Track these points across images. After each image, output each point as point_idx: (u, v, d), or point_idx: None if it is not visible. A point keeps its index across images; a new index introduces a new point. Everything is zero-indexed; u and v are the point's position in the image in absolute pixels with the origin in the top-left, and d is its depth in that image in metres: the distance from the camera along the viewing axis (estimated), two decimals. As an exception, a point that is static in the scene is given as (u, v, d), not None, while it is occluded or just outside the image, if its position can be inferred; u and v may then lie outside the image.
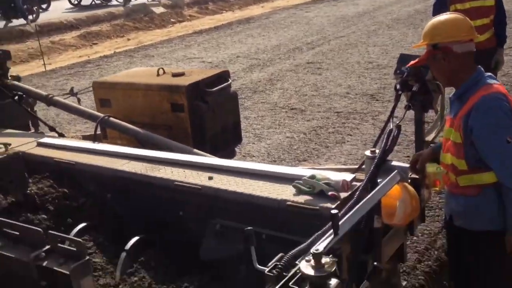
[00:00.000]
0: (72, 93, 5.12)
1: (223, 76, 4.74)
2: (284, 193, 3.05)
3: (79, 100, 4.96)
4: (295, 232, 2.82)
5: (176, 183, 3.36)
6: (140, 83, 4.66)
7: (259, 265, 2.37)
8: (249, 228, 2.54)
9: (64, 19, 20.98)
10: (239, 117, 4.94)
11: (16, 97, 4.60)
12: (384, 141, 3.00)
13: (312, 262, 1.97)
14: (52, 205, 3.66)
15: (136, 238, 3.30)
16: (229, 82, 4.68)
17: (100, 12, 22.24)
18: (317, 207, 2.86)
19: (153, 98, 4.53)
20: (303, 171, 3.22)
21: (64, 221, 3.59)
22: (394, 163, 2.97)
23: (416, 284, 3.75)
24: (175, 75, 4.68)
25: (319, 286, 1.93)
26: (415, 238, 4.27)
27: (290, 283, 1.95)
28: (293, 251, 2.17)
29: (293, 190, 3.06)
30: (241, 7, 25.94)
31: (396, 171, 2.87)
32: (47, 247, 3.03)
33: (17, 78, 4.95)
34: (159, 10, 23.71)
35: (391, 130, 3.05)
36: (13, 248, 3.15)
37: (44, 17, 20.99)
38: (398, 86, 3.36)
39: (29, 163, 3.95)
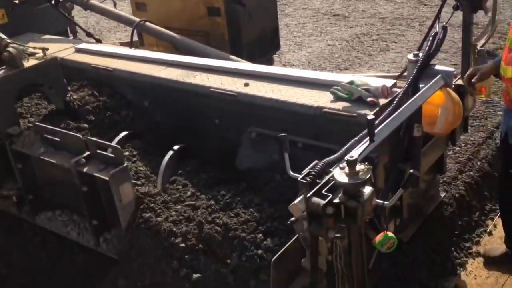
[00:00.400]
0: (108, -4, 5.01)
1: (263, -23, 4.52)
2: (321, 99, 2.96)
3: (115, 4, 4.86)
4: (332, 141, 2.74)
5: (212, 89, 3.30)
6: (178, -15, 4.50)
7: (293, 173, 2.33)
8: (283, 134, 2.48)
9: None
10: (277, 23, 4.76)
11: (53, 0, 4.54)
12: (429, 43, 2.83)
13: (346, 169, 1.91)
14: (93, 115, 3.69)
15: (176, 147, 3.29)
16: (268, -16, 4.47)
17: None
18: (355, 114, 2.76)
19: (190, 1, 4.39)
20: (341, 77, 3.10)
21: (106, 130, 3.62)
22: (438, 67, 2.81)
23: (456, 194, 3.67)
24: (214, -23, 4.49)
25: (352, 193, 1.88)
26: (457, 148, 4.14)
27: (323, 190, 1.90)
28: (327, 158, 2.11)
29: (331, 97, 2.96)
30: None
31: (439, 75, 2.72)
32: (87, 153, 3.09)
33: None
34: None
35: (436, 33, 2.86)
36: (55, 154, 3.23)
37: None
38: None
39: (67, 69, 3.94)
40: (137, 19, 4.30)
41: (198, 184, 3.20)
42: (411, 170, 1.95)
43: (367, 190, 1.92)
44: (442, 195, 3.59)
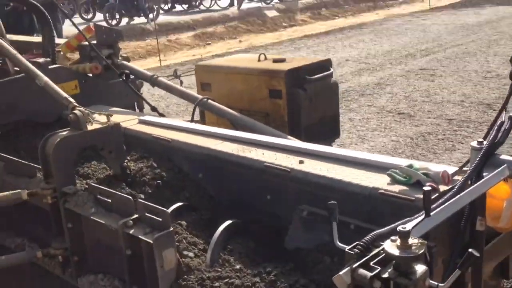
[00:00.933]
0: (175, 75, 5.24)
1: (325, 65, 4.62)
2: (377, 181, 2.87)
3: (181, 82, 5.06)
4: (386, 225, 2.61)
5: (266, 164, 3.28)
6: (240, 67, 4.66)
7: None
8: (332, 202, 2.39)
9: (181, 20, 21.84)
10: (338, 110, 4.79)
11: (124, 76, 4.77)
12: (494, 132, 2.73)
13: (398, 241, 1.80)
14: (148, 186, 3.73)
15: (227, 222, 3.23)
16: (330, 72, 4.54)
17: (216, 14, 22.90)
18: (413, 198, 2.64)
19: (252, 83, 4.50)
20: (400, 160, 3.01)
21: (160, 200, 3.63)
22: (504, 156, 2.69)
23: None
24: (276, 60, 4.62)
25: (403, 269, 1.75)
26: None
27: (372, 262, 1.78)
28: (379, 230, 2.00)
29: (387, 179, 2.87)
30: (355, 13, 25.67)
31: (505, 165, 2.60)
32: (135, 216, 3.08)
33: (126, 59, 5.14)
34: (271, 13, 24.07)
35: (502, 122, 2.77)
36: (105, 215, 3.24)
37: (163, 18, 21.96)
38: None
39: (129, 137, 4.06)
40: (200, 96, 4.43)
41: (245, 261, 3.10)
42: (470, 250, 1.80)
43: (420, 268, 1.79)
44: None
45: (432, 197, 2.57)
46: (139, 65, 13.98)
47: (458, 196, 2.31)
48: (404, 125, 8.10)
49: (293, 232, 3.16)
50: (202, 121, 4.79)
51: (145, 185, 3.73)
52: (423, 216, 2.01)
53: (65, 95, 3.74)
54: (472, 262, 1.81)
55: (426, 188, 1.99)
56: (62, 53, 5.40)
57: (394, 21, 20.98)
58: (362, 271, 1.76)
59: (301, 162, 3.25)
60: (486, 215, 2.59)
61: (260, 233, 3.36)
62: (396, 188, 2.77)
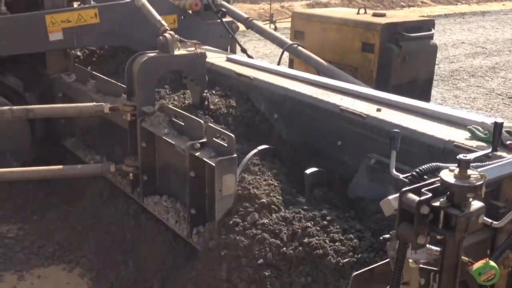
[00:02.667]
0: (271, 20, 5.19)
1: (427, 25, 4.37)
2: (455, 135, 2.68)
3: (275, 28, 4.99)
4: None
5: (342, 107, 3.17)
6: (336, 17, 4.52)
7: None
8: (396, 130, 2.26)
9: (297, -12, 21.61)
10: (433, 74, 4.53)
11: (220, 14, 4.79)
12: None
13: (456, 171, 1.65)
14: (223, 119, 3.74)
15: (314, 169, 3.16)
16: (431, 32, 4.29)
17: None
18: (489, 153, 2.43)
19: (346, 34, 4.36)
20: (483, 117, 2.79)
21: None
22: None
23: None
24: (375, 14, 4.45)
25: (457, 200, 1.61)
26: None
27: (424, 189, 1.65)
28: (441, 164, 1.85)
29: (466, 135, 2.67)
30: (480, 2, 24.17)
31: None
32: (204, 140, 3.11)
33: (227, 0, 5.15)
34: (391, -9, 23.18)
35: None
36: (176, 137, 3.29)
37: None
38: None
39: (214, 72, 4.09)
40: (290, 42, 4.36)
41: (304, 202, 3.04)
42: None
43: (476, 203, 1.64)
44: None
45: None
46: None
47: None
48: None
49: (358, 180, 3.05)
50: (290, 67, 4.72)
51: (220, 118, 3.74)
52: (489, 150, 1.83)
53: (159, 18, 3.82)
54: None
55: (498, 120, 1.80)
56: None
57: (522, 13, 19.65)
58: (410, 195, 1.63)
59: (378, 110, 3.11)
60: None
61: (327, 179, 3.29)
62: (474, 143, 2.58)
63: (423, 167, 1.82)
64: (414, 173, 1.79)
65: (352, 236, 2.66)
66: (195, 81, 3.72)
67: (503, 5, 23.32)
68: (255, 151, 3.18)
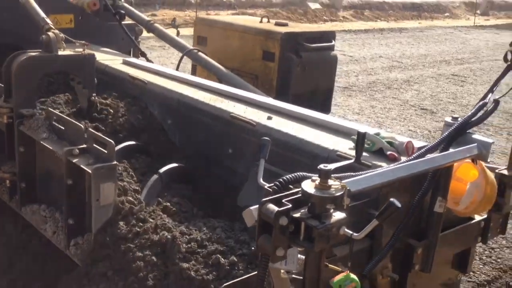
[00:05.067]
0: (173, 24, 5.06)
1: (328, 36, 4.37)
2: (340, 145, 2.65)
3: (178, 33, 4.85)
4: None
5: (232, 115, 3.07)
6: (239, 24, 4.44)
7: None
8: (265, 138, 2.17)
9: (225, -2, 21.68)
10: (333, 85, 4.53)
11: (118, 16, 4.59)
12: (474, 110, 2.47)
13: (318, 181, 1.57)
14: (112, 125, 3.54)
15: (173, 165, 3.03)
16: (331, 44, 4.29)
17: (259, -3, 22.65)
18: (369, 164, 2.40)
19: (248, 42, 4.30)
20: (368, 129, 2.77)
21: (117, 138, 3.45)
22: (477, 136, 2.43)
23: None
24: (278, 24, 4.41)
25: (318, 211, 1.53)
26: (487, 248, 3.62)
27: (284, 199, 1.56)
28: (307, 174, 1.78)
29: (351, 145, 2.63)
30: (397, 19, 25.24)
31: (475, 144, 2.34)
32: (83, 146, 2.90)
33: (129, 2, 4.95)
34: (314, 6, 23.71)
35: (485, 103, 2.50)
36: (55, 142, 3.06)
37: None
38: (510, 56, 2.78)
39: (107, 75, 3.90)
40: (190, 47, 4.23)
41: (184, 213, 2.89)
42: (391, 199, 1.57)
43: (338, 214, 1.57)
44: (463, 297, 3.05)
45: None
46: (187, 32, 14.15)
47: (411, 162, 2.06)
48: (425, 119, 8.02)
49: (247, 189, 2.94)
50: (193, 75, 4.58)
51: (110, 124, 3.54)
52: (352, 161, 1.77)
53: (43, 15, 3.58)
54: (391, 213, 1.58)
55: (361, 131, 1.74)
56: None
57: (435, 31, 20.60)
58: (270, 205, 1.54)
59: (269, 118, 3.04)
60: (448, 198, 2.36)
61: (215, 187, 3.18)
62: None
63: (287, 176, 1.74)
64: (278, 182, 1.71)
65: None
66: (83, 84, 3.50)
67: (419, 23, 24.52)
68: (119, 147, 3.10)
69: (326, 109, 4.50)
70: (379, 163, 2.39)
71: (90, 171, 2.68)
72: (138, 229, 2.65)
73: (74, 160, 2.81)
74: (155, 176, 2.99)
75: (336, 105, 8.30)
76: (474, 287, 3.30)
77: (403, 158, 2.42)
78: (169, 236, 2.53)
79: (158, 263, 2.50)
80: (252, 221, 1.62)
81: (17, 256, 3.51)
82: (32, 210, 3.24)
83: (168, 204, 2.86)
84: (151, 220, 2.70)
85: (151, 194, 2.95)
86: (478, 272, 3.47)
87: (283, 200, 1.57)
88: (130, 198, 2.84)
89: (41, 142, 3.06)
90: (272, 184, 1.73)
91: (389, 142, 2.50)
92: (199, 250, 2.45)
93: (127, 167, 3.08)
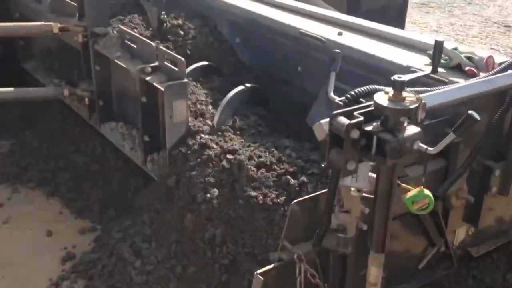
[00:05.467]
0: None
1: None
2: (415, 61, 2.54)
3: None
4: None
5: (301, 31, 3.01)
6: None
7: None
8: (336, 50, 2.12)
9: None
10: (407, 0, 4.30)
11: None
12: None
13: (391, 93, 1.53)
14: (183, 43, 3.56)
15: (240, 87, 3.02)
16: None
17: None
18: (446, 80, 2.31)
19: (318, -44, 4.10)
20: (446, 43, 2.63)
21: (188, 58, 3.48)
22: None
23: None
24: None
25: (391, 124, 1.49)
26: None
27: (356, 112, 1.53)
28: (377, 86, 1.73)
29: (427, 61, 2.53)
30: None
31: None
32: (156, 63, 2.94)
33: None
34: None
35: None
36: (128, 60, 3.12)
37: None
38: None
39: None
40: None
41: (255, 134, 2.92)
42: (469, 112, 1.51)
43: (412, 128, 1.53)
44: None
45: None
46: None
47: (491, 77, 1.96)
48: (508, 37, 7.51)
49: (316, 109, 2.91)
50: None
51: (181, 45, 3.56)
52: (428, 72, 1.71)
53: None
54: (470, 126, 1.52)
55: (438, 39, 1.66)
56: None
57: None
58: (341, 118, 1.52)
59: (339, 34, 2.94)
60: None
61: (286, 106, 3.17)
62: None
63: (359, 89, 1.70)
64: (349, 95, 1.67)
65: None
66: (152, 2, 3.52)
67: None
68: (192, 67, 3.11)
69: (399, 26, 4.30)
70: (457, 79, 2.29)
71: (162, 89, 2.75)
72: (209, 152, 2.71)
73: (147, 78, 2.88)
74: (229, 95, 2.98)
75: (413, 22, 7.94)
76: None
77: (483, 74, 2.31)
78: (236, 161, 2.57)
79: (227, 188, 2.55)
80: (323, 135, 1.61)
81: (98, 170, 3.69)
82: (111, 127, 3.38)
83: (241, 124, 2.89)
84: (222, 142, 2.74)
85: (225, 113, 2.97)
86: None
87: (355, 113, 1.54)
88: (201, 118, 2.89)
89: (115, 60, 3.13)
90: (344, 98, 1.70)
91: (468, 57, 2.38)
92: (267, 174, 2.47)
93: (199, 85, 3.11)
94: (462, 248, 2.55)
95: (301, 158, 2.55)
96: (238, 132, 2.85)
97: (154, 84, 2.82)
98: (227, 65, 3.50)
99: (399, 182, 1.71)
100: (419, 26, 7.88)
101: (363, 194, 1.75)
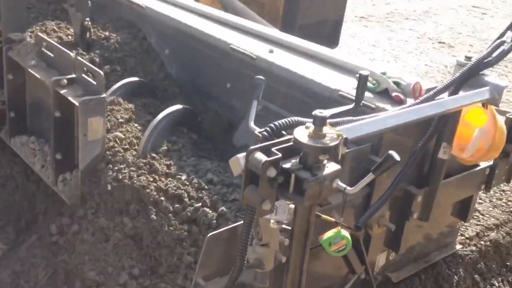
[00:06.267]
0: None
1: (339, -38, 4.07)
2: (343, 83, 2.46)
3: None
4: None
5: (232, 46, 2.88)
6: None
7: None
8: (259, 77, 2.01)
9: None
10: (342, 18, 4.27)
11: None
12: (489, 50, 2.26)
13: (311, 128, 1.42)
14: (108, 53, 3.36)
15: (177, 107, 2.85)
16: (342, -29, 4.00)
17: None
18: (373, 106, 2.23)
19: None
20: (376, 66, 2.57)
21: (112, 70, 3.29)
22: (489, 78, 2.24)
23: (475, 254, 3.01)
24: None
25: (310, 162, 1.38)
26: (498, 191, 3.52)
27: (274, 148, 1.41)
28: (302, 119, 1.62)
29: (355, 83, 2.44)
30: None
31: (487, 87, 2.16)
32: (73, 75, 2.74)
33: None
34: None
35: (502, 42, 2.29)
36: (43, 70, 2.90)
37: None
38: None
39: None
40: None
41: (186, 151, 2.75)
42: (390, 152, 1.42)
43: (331, 166, 1.42)
44: (458, 247, 2.96)
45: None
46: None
47: (417, 106, 1.89)
48: (442, 54, 7.74)
49: (243, 128, 2.79)
50: (196, 1, 4.33)
51: (106, 52, 3.36)
52: (351, 106, 1.61)
53: None
54: (389, 167, 1.43)
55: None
56: None
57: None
58: (258, 154, 1.39)
59: (270, 51, 2.83)
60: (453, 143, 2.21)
61: (213, 125, 3.03)
62: (361, 93, 2.35)
63: (280, 121, 1.58)
64: (269, 128, 1.55)
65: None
66: (76, 7, 3.30)
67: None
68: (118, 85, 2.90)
69: (334, 41, 4.27)
70: (383, 105, 2.22)
71: (77, 104, 2.55)
72: (125, 178, 2.53)
73: (62, 91, 2.66)
74: (156, 119, 2.79)
75: (351, 35, 8.04)
76: (483, 231, 3.18)
77: (410, 100, 2.25)
78: (150, 194, 2.42)
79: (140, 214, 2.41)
80: (239, 170, 1.48)
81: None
82: (22, 141, 3.12)
83: (168, 147, 2.71)
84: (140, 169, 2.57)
85: (152, 138, 2.77)
86: (487, 215, 3.35)
87: (273, 149, 1.42)
88: (120, 135, 2.71)
89: (29, 70, 2.90)
90: (263, 130, 1.57)
91: (395, 83, 2.32)
92: (180, 207, 2.34)
93: (121, 102, 2.93)
94: (383, 274, 2.52)
95: (222, 183, 2.41)
96: (161, 157, 2.66)
97: (69, 98, 2.61)
98: (157, 79, 3.32)
99: (319, 214, 1.62)
100: (358, 39, 7.96)
101: (283, 225, 1.65)
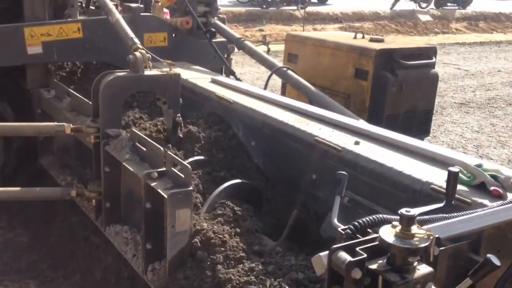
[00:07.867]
0: (264, 41, 4.93)
1: (428, 52, 4.04)
2: (435, 176, 2.35)
3: (268, 50, 4.72)
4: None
5: (317, 138, 2.87)
6: (331, 40, 4.24)
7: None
8: (342, 172, 1.95)
9: (331, 11, 21.38)
10: (432, 106, 4.18)
11: (208, 33, 4.54)
12: None
13: (398, 228, 1.34)
14: (198, 147, 3.47)
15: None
16: (431, 61, 3.96)
17: (366, 10, 22.12)
18: (468, 200, 2.10)
19: (340, 59, 4.08)
20: (470, 159, 2.45)
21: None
22: None
23: None
24: (372, 40, 4.16)
25: (398, 263, 1.29)
26: None
27: (358, 247, 1.34)
28: (389, 216, 1.54)
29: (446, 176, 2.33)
30: (516, 31, 23.71)
31: None
32: (163, 168, 2.83)
33: (222, 20, 4.90)
34: (425, 18, 22.83)
35: None
36: (136, 164, 3.02)
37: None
38: None
39: (195, 94, 3.85)
40: (279, 64, 4.08)
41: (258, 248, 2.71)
42: (488, 255, 1.30)
43: (423, 268, 1.32)
44: None
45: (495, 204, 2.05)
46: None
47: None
48: None
49: (329, 220, 2.71)
50: (282, 94, 4.44)
51: (195, 145, 3.47)
52: (441, 204, 1.51)
53: (132, 35, 3.58)
54: (488, 273, 1.30)
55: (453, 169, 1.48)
56: (160, 4, 5.28)
57: None
58: (342, 254, 1.33)
59: (356, 143, 2.80)
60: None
61: (298, 218, 2.98)
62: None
63: (365, 219, 1.51)
64: (352, 226, 1.48)
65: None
66: (168, 104, 3.46)
67: (542, 36, 22.91)
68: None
69: (424, 131, 4.17)
70: (480, 200, 2.08)
71: (166, 196, 2.61)
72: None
73: (153, 184, 2.75)
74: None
75: (453, 122, 7.91)
76: None
77: (510, 195, 2.10)
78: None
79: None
80: (322, 270, 1.41)
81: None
82: (116, 230, 3.22)
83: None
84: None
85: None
86: None
87: (357, 248, 1.35)
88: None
89: (124, 163, 3.03)
90: (347, 227, 1.51)
91: (493, 176, 2.18)
92: None
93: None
94: None
95: (307, 280, 2.32)
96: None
97: (159, 190, 2.68)
98: (240, 168, 3.37)
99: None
100: (460, 126, 7.78)
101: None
